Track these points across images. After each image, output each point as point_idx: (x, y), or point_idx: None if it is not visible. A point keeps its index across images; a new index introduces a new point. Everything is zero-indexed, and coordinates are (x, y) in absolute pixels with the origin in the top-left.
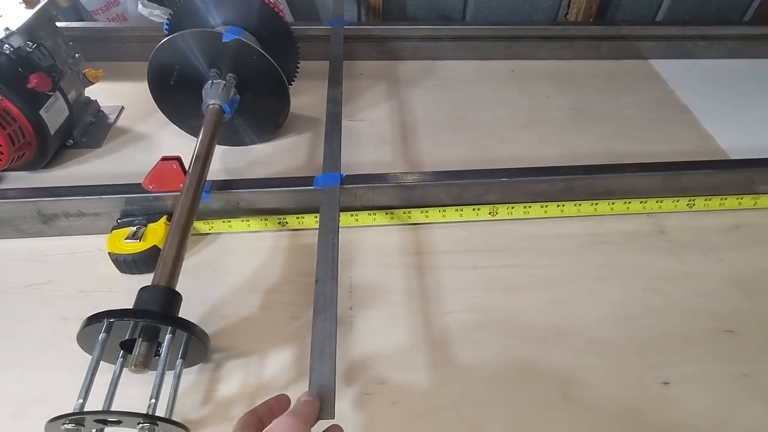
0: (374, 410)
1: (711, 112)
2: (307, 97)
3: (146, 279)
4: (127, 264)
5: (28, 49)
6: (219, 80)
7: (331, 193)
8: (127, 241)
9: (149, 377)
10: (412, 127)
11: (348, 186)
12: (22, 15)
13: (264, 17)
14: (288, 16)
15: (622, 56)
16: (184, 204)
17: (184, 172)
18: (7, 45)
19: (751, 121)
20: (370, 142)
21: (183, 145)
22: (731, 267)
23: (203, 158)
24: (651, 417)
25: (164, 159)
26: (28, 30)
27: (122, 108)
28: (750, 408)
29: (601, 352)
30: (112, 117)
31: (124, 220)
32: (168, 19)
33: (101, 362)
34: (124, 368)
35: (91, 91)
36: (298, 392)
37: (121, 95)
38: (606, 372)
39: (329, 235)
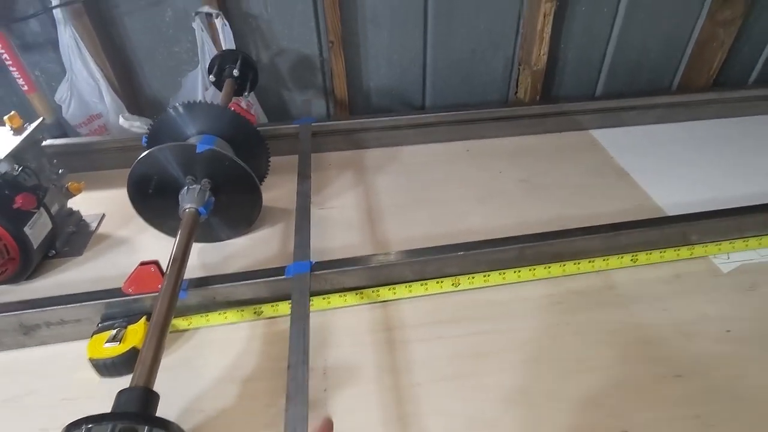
0: None
1: (647, 174)
2: (280, 190)
3: (127, 381)
4: (107, 368)
5: (14, 173)
6: (195, 185)
7: (301, 280)
8: (107, 345)
9: None
10: (378, 210)
11: (318, 272)
12: (10, 141)
13: (235, 124)
14: (262, 116)
15: (565, 129)
16: (161, 305)
17: (162, 273)
18: None
19: (682, 179)
20: (340, 228)
21: (162, 247)
22: (675, 314)
23: (180, 260)
24: None
25: (143, 264)
26: (16, 155)
27: (103, 215)
28: None
29: (563, 406)
30: (93, 225)
31: (104, 323)
32: (147, 132)
33: None
34: None
35: (74, 201)
36: None
37: (102, 203)
38: (568, 425)
39: (300, 322)
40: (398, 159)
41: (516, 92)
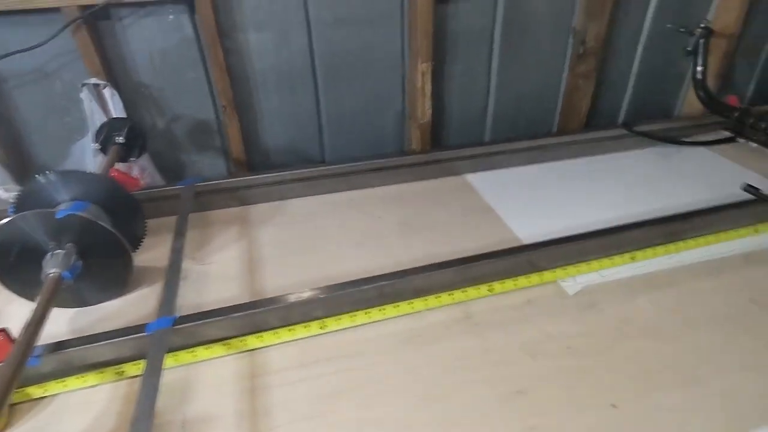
0: None
1: (511, 210)
2: (160, 250)
3: None
4: None
5: None
6: (58, 251)
7: (159, 337)
8: None
9: None
10: (258, 261)
11: (182, 326)
12: None
13: (108, 190)
14: (158, 180)
15: (444, 175)
16: (4, 375)
17: (12, 341)
18: None
19: (541, 212)
20: (218, 282)
21: None
22: (523, 336)
23: (34, 325)
24: None
25: None
26: None
27: None
28: None
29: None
30: None
31: None
32: (13, 201)
33: None
34: None
35: None
36: None
37: None
38: None
39: (152, 377)
40: (284, 212)
41: (409, 144)
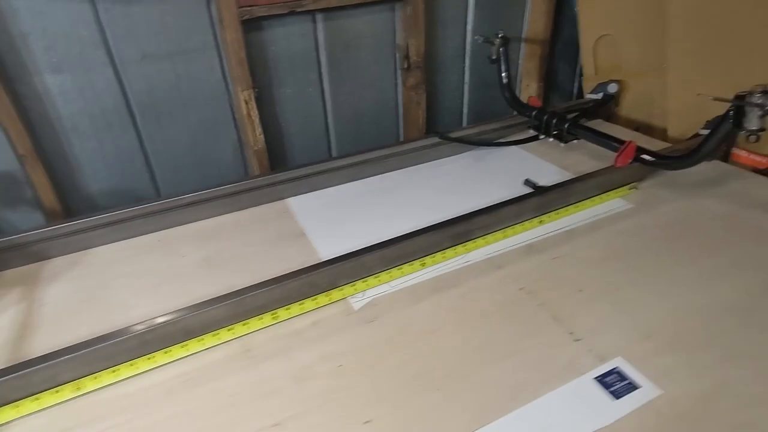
0: None
1: (321, 232)
2: None
3: None
4: None
5: None
6: None
7: None
8: None
9: None
10: (33, 324)
11: None
12: None
13: None
14: None
15: (262, 202)
16: None
17: None
18: None
19: (350, 230)
20: None
21: None
22: (297, 362)
23: None
24: None
25: None
26: None
27: None
28: None
29: None
30: None
31: None
32: None
33: None
34: None
35: None
36: None
37: None
38: None
39: None
40: (82, 263)
41: (253, 172)
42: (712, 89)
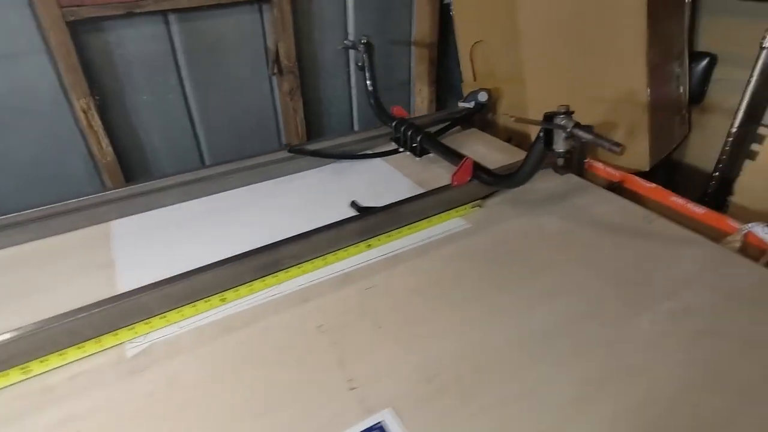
0: None
1: (134, 262)
2: None
3: None
4: None
5: None
6: None
7: None
8: None
9: None
10: None
11: None
12: None
13: None
14: None
15: (80, 226)
16: None
17: None
18: None
19: (168, 259)
20: None
21: None
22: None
23: None
24: None
25: None
26: None
27: None
28: None
29: None
30: None
31: None
32: None
33: None
34: None
35: None
36: None
37: None
38: None
39: None
40: None
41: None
42: (567, 100)
